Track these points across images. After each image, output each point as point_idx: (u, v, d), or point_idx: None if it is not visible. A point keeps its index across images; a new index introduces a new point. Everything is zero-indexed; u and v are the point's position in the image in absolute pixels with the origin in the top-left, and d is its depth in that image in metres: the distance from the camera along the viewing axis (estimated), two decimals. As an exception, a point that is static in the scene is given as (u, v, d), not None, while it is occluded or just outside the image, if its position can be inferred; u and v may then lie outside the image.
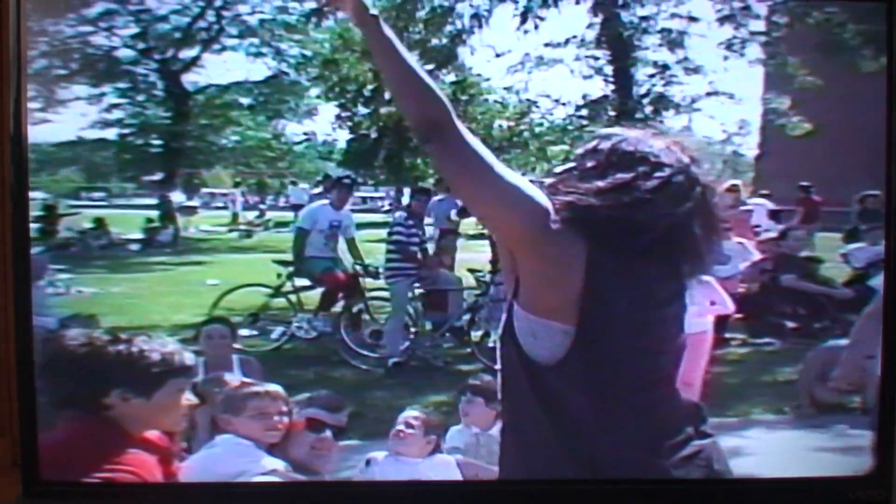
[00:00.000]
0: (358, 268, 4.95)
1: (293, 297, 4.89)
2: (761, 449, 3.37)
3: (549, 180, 1.59)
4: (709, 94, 5.09)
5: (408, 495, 2.51)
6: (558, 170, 1.61)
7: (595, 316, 1.45)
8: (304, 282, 4.94)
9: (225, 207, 6.64)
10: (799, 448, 3.55)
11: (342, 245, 4.99)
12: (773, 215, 5.23)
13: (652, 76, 5.12)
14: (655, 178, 1.48)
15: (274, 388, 2.44)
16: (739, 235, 5.01)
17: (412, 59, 1.55)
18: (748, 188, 5.43)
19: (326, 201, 5.09)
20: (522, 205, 1.47)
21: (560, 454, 1.51)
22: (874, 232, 4.94)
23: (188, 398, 1.96)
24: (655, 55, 5.06)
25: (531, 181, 1.51)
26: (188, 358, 1.97)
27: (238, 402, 2.38)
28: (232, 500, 2.23)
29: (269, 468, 2.28)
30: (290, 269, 4.92)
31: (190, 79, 5.44)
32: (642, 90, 5.17)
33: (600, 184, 1.48)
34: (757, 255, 5.00)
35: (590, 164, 1.54)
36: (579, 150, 1.61)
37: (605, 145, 1.55)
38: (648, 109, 5.13)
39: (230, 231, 6.51)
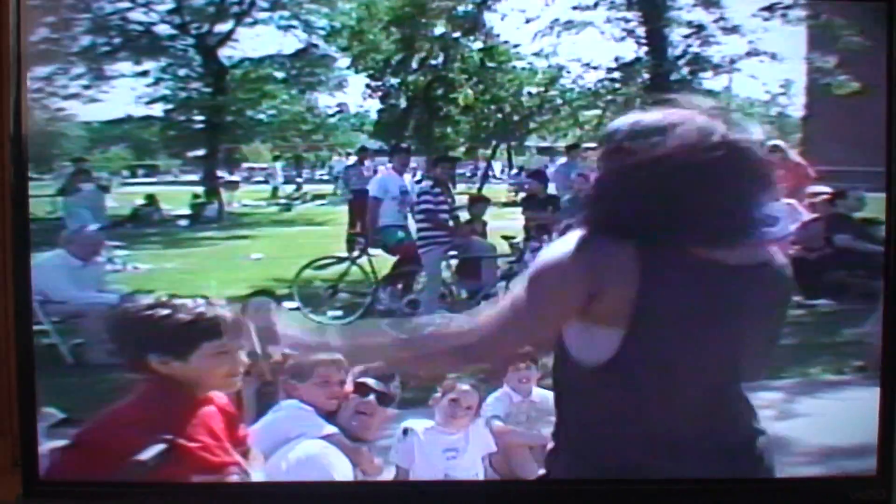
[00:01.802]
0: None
1: (368, 269, 4.87)
2: (819, 410, 3.35)
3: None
4: (748, 53, 4.95)
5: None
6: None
7: (648, 319, 1.37)
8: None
9: (265, 181, 6.74)
10: (860, 409, 3.48)
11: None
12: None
13: (687, 37, 4.99)
14: (656, 140, 1.36)
15: (338, 355, 2.38)
16: (789, 196, 4.88)
17: None
18: (796, 149, 5.26)
19: (390, 168, 5.08)
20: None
21: (608, 455, 1.46)
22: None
23: (239, 359, 1.91)
24: (690, 15, 4.92)
25: None
26: (224, 318, 1.90)
27: (306, 369, 2.40)
28: (232, 500, 2.04)
29: (326, 433, 2.31)
30: (363, 240, 4.91)
31: (225, 53, 5.48)
32: (677, 51, 5.04)
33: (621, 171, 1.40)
34: (807, 216, 4.87)
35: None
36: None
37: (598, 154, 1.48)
38: (685, 71, 5.00)
39: (269, 205, 6.63)
